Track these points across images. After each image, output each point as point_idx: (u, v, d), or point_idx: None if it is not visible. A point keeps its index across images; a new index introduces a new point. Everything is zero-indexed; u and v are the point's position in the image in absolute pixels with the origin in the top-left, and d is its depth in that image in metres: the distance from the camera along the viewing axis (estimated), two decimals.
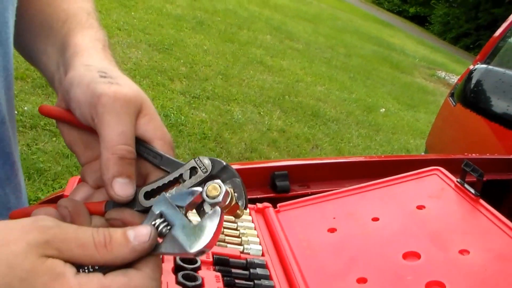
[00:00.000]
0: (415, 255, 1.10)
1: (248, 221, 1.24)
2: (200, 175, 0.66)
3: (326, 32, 13.62)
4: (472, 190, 1.25)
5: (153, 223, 0.61)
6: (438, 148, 3.98)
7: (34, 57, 0.89)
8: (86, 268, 0.56)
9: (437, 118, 4.41)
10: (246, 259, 1.08)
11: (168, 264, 0.97)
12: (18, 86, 4.51)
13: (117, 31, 7.12)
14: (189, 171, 0.67)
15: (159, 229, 0.61)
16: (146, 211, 0.64)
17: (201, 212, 0.62)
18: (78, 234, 0.56)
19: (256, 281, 1.02)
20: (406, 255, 1.10)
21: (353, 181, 1.47)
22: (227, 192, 0.62)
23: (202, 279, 0.96)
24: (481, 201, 1.22)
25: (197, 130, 5.18)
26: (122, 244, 0.57)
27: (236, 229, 1.19)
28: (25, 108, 4.27)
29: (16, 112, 3.57)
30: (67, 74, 0.72)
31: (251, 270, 1.05)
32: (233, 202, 0.63)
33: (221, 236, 1.14)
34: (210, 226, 0.59)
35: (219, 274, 1.00)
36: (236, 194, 0.64)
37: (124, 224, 0.63)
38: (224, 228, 1.18)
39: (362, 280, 1.06)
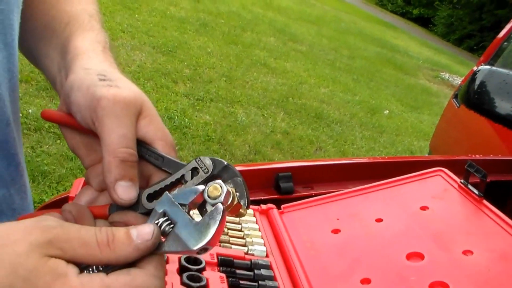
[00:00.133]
0: (419, 256, 1.10)
1: (252, 222, 1.24)
2: (202, 175, 0.67)
3: (329, 34, 13.61)
4: (476, 191, 1.25)
5: (156, 221, 0.61)
6: (442, 149, 3.98)
7: (38, 60, 0.90)
8: (90, 268, 0.56)
9: (441, 120, 4.41)
10: (250, 260, 1.08)
11: (173, 265, 0.98)
12: (22, 88, 4.52)
13: (121, 33, 7.13)
14: (190, 171, 0.67)
15: (162, 227, 0.61)
16: (149, 213, 0.64)
17: (203, 212, 0.62)
18: (81, 234, 0.57)
19: (260, 282, 1.02)
20: (409, 256, 1.10)
21: (357, 182, 1.48)
22: (228, 192, 0.62)
23: (207, 280, 0.96)
24: (485, 201, 1.22)
25: (201, 132, 5.18)
26: (125, 243, 0.58)
27: (240, 230, 1.19)
28: (30, 110, 4.28)
29: (20, 114, 3.58)
30: (68, 78, 0.73)
31: (256, 271, 1.05)
32: (235, 202, 0.63)
33: (226, 237, 1.14)
34: (213, 223, 0.60)
35: (223, 275, 1.00)
36: (238, 194, 0.65)
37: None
38: (229, 229, 1.18)
39: (366, 281, 1.06)
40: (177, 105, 5.57)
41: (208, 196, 0.62)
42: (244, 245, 1.14)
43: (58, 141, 3.98)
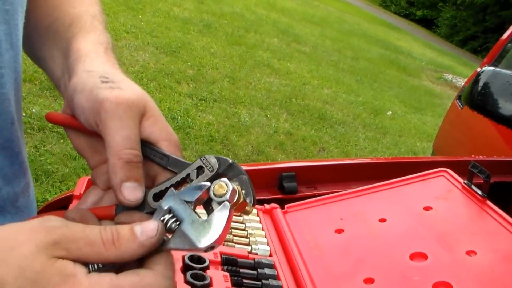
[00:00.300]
0: (422, 256, 1.10)
1: (256, 221, 1.24)
2: (207, 174, 0.67)
3: (333, 35, 13.61)
4: (479, 192, 1.25)
5: (161, 218, 0.62)
6: (445, 150, 3.98)
7: (42, 62, 0.90)
8: (96, 266, 0.57)
9: (444, 121, 4.40)
10: (254, 259, 1.08)
11: (176, 264, 0.97)
12: (26, 88, 4.53)
13: (125, 34, 7.14)
14: (196, 170, 0.68)
15: (168, 224, 0.61)
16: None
17: (209, 210, 0.63)
18: (86, 233, 0.57)
19: (264, 281, 1.02)
20: (413, 256, 1.10)
21: (360, 182, 1.48)
22: (234, 190, 0.62)
23: (211, 278, 0.96)
24: (488, 202, 1.22)
25: (204, 133, 5.18)
26: (130, 240, 0.58)
27: (244, 230, 1.19)
28: (33, 110, 4.29)
29: (24, 114, 3.59)
30: (70, 81, 0.73)
31: (259, 270, 1.05)
32: (241, 200, 0.63)
33: (229, 236, 1.14)
34: (219, 221, 0.60)
35: (227, 273, 1.00)
36: (243, 192, 0.65)
37: None
38: (232, 228, 1.18)
39: (369, 281, 1.06)
40: (180, 105, 5.58)
41: (214, 194, 0.62)
42: (248, 244, 1.14)
43: (62, 141, 3.99)
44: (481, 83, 2.00)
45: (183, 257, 0.99)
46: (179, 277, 0.95)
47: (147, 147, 0.69)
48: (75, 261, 0.55)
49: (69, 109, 0.74)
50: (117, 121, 0.66)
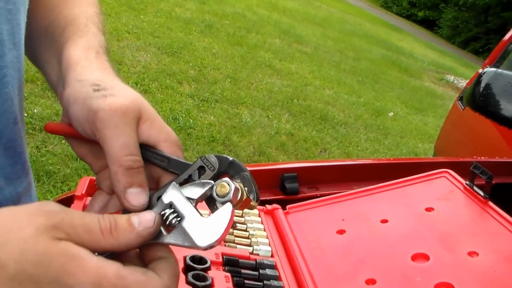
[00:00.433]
0: (424, 257, 1.10)
1: (257, 222, 1.24)
2: (209, 173, 0.67)
3: (334, 35, 13.60)
4: (481, 193, 1.25)
5: (162, 212, 0.62)
6: (447, 151, 3.97)
7: (41, 65, 0.90)
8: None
9: (445, 122, 4.40)
10: (255, 260, 1.08)
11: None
12: (28, 88, 4.53)
13: (126, 34, 7.14)
14: (197, 171, 0.68)
15: (169, 219, 0.61)
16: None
17: (213, 209, 0.63)
18: (85, 220, 0.56)
19: (265, 282, 1.02)
20: (414, 257, 1.10)
21: (362, 183, 1.47)
22: (236, 189, 0.62)
23: (212, 279, 0.96)
24: (490, 203, 1.22)
25: (206, 133, 5.18)
26: (127, 230, 0.58)
27: (245, 230, 1.19)
28: (35, 110, 4.29)
29: (25, 114, 3.58)
30: (64, 91, 0.73)
31: (261, 271, 1.05)
32: (244, 197, 0.63)
33: (231, 237, 1.14)
34: (222, 222, 0.60)
35: (228, 274, 1.00)
36: (246, 188, 0.65)
37: None
38: (234, 229, 1.18)
39: (371, 282, 1.06)
40: (182, 106, 5.58)
41: (217, 194, 0.62)
42: (249, 245, 1.14)
43: (63, 141, 3.99)
44: (483, 84, 2.00)
45: (185, 258, 0.99)
46: (181, 277, 0.94)
47: (147, 150, 0.69)
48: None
49: (67, 118, 0.74)
50: (113, 129, 0.66)
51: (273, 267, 1.08)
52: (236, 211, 1.24)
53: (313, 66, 9.55)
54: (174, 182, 0.65)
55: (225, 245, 1.11)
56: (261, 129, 5.80)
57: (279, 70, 8.37)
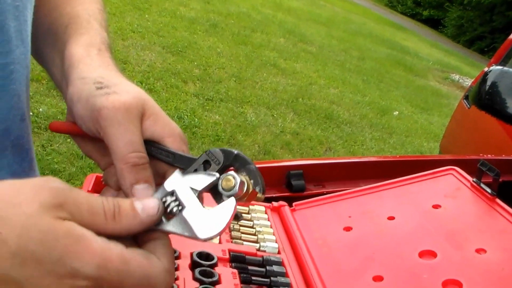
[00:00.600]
0: (431, 254, 1.09)
1: (264, 219, 1.24)
2: (214, 167, 0.67)
3: (339, 35, 13.59)
4: (489, 190, 1.24)
5: (164, 199, 0.62)
6: (452, 150, 3.97)
7: (44, 63, 0.90)
8: None
9: (451, 121, 4.40)
10: (262, 256, 1.08)
11: (185, 261, 0.98)
12: (33, 87, 4.54)
13: (131, 33, 7.15)
14: (202, 165, 0.68)
15: (170, 207, 0.61)
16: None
17: (219, 201, 0.63)
18: (89, 201, 0.56)
19: (272, 278, 1.02)
20: (422, 254, 1.10)
21: (368, 180, 1.47)
22: (242, 182, 0.62)
23: (219, 275, 0.96)
24: (498, 200, 1.21)
25: (211, 132, 5.19)
26: (130, 216, 0.58)
27: (252, 227, 1.19)
28: (40, 109, 4.31)
29: (31, 113, 3.59)
30: (67, 89, 0.73)
31: (268, 267, 1.05)
32: (250, 190, 0.63)
33: (237, 234, 1.14)
34: (223, 215, 0.60)
35: (235, 271, 1.00)
36: (252, 181, 0.65)
37: None
38: (240, 225, 1.18)
39: (378, 278, 1.06)
40: (187, 105, 5.59)
41: (223, 188, 0.62)
42: (256, 242, 1.14)
43: (68, 140, 4.00)
44: (488, 83, 2.00)
45: (191, 254, 0.99)
46: (188, 274, 0.95)
47: (152, 146, 0.69)
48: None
49: (71, 117, 0.74)
50: (117, 127, 0.66)
51: (280, 263, 1.08)
52: (243, 208, 1.25)
53: (317, 66, 9.55)
54: (178, 171, 0.65)
55: (232, 242, 1.10)
56: (266, 128, 5.80)
57: (284, 70, 8.37)
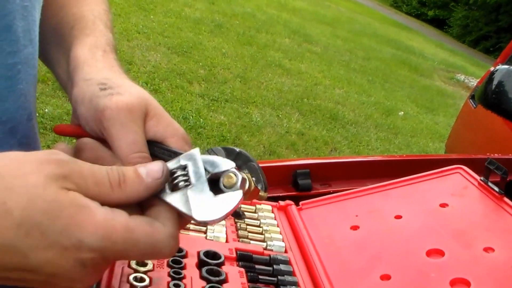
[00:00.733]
0: (439, 253, 1.09)
1: (270, 218, 1.24)
2: None
3: (344, 35, 13.57)
4: (496, 188, 1.24)
5: (174, 171, 0.62)
6: (458, 150, 3.96)
7: (50, 65, 0.90)
8: None
9: (457, 121, 4.39)
10: (269, 255, 1.08)
11: (192, 259, 0.98)
12: (39, 88, 4.54)
13: (136, 34, 7.16)
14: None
15: (177, 180, 0.61)
16: None
17: (219, 191, 0.62)
18: (93, 171, 0.56)
19: (279, 277, 1.02)
20: (429, 253, 1.10)
21: (375, 180, 1.47)
22: (244, 179, 0.62)
23: (226, 274, 0.96)
24: (506, 199, 1.21)
25: (216, 133, 5.19)
26: (136, 182, 0.58)
27: (259, 226, 1.19)
28: (46, 110, 4.31)
29: (37, 114, 3.59)
30: (72, 91, 0.74)
31: (275, 266, 1.05)
32: (252, 187, 0.63)
33: (244, 233, 1.14)
34: (225, 204, 0.60)
35: (242, 269, 1.00)
36: (254, 179, 0.65)
37: None
38: (247, 224, 1.18)
39: (385, 277, 1.06)
40: (192, 106, 5.59)
41: (225, 185, 0.62)
42: (263, 241, 1.14)
43: (74, 141, 3.98)
44: (495, 82, 1.99)
45: (198, 253, 0.99)
46: (195, 272, 0.95)
47: (155, 146, 0.69)
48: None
49: (76, 118, 0.74)
50: (120, 128, 0.67)
51: (287, 262, 1.08)
52: (250, 207, 1.25)
53: (322, 66, 9.53)
54: (197, 149, 0.65)
55: (238, 241, 1.11)
56: (271, 129, 5.80)
57: (289, 70, 8.36)
